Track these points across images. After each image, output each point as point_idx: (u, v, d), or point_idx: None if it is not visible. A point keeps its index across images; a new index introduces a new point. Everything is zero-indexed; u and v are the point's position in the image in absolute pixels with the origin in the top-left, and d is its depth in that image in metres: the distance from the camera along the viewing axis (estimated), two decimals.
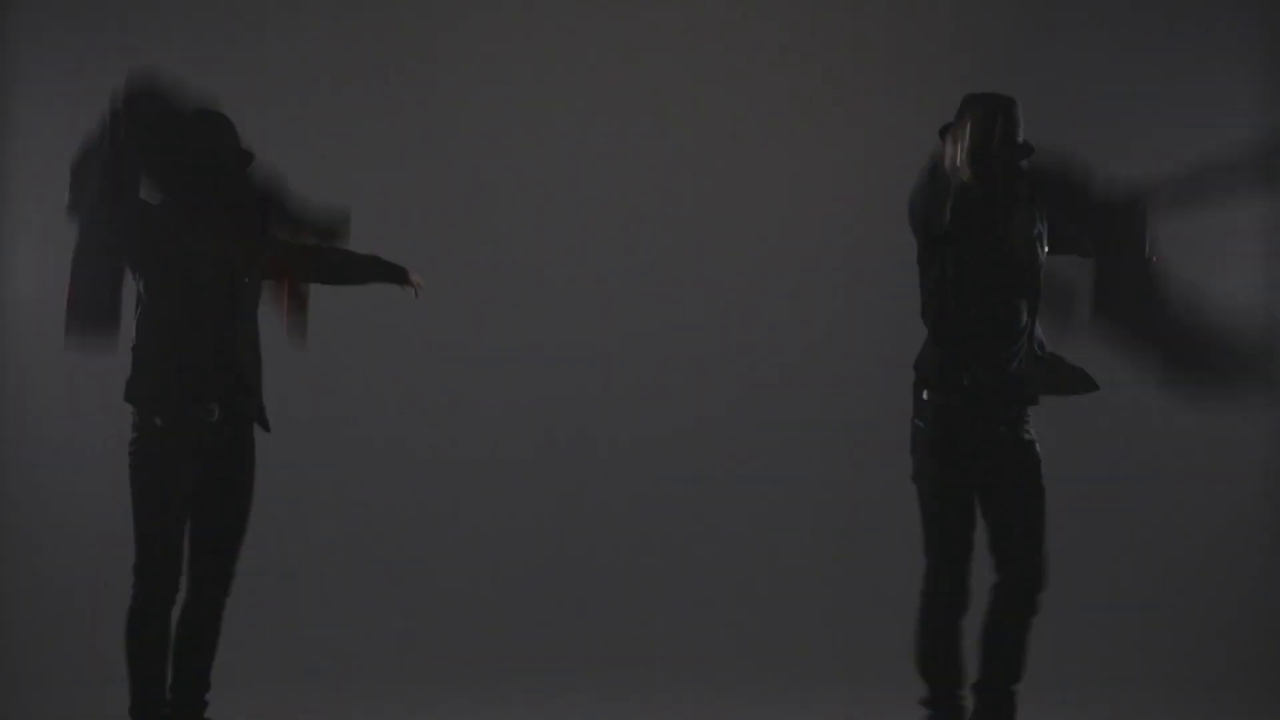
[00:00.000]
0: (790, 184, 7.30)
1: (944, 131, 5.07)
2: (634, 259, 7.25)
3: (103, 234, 4.95)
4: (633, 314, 7.23)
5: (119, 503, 5.06)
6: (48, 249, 7.09)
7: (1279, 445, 7.22)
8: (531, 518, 7.17)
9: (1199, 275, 7.24)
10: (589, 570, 7.12)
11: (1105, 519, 7.18)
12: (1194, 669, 6.84)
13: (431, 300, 7.15)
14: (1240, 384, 5.24)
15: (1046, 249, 5.15)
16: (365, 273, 5.39)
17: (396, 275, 5.40)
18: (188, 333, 5.00)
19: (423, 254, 7.16)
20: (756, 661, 6.91)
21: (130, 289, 5.06)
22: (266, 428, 5.16)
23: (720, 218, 7.29)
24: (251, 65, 7.10)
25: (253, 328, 5.15)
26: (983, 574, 5.09)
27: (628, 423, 7.20)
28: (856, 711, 6.25)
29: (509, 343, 7.19)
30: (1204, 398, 5.29)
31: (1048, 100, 7.08)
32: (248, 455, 5.13)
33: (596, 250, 7.24)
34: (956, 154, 4.92)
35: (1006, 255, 5.03)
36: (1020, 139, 5.05)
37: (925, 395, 5.02)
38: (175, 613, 5.08)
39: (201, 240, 5.03)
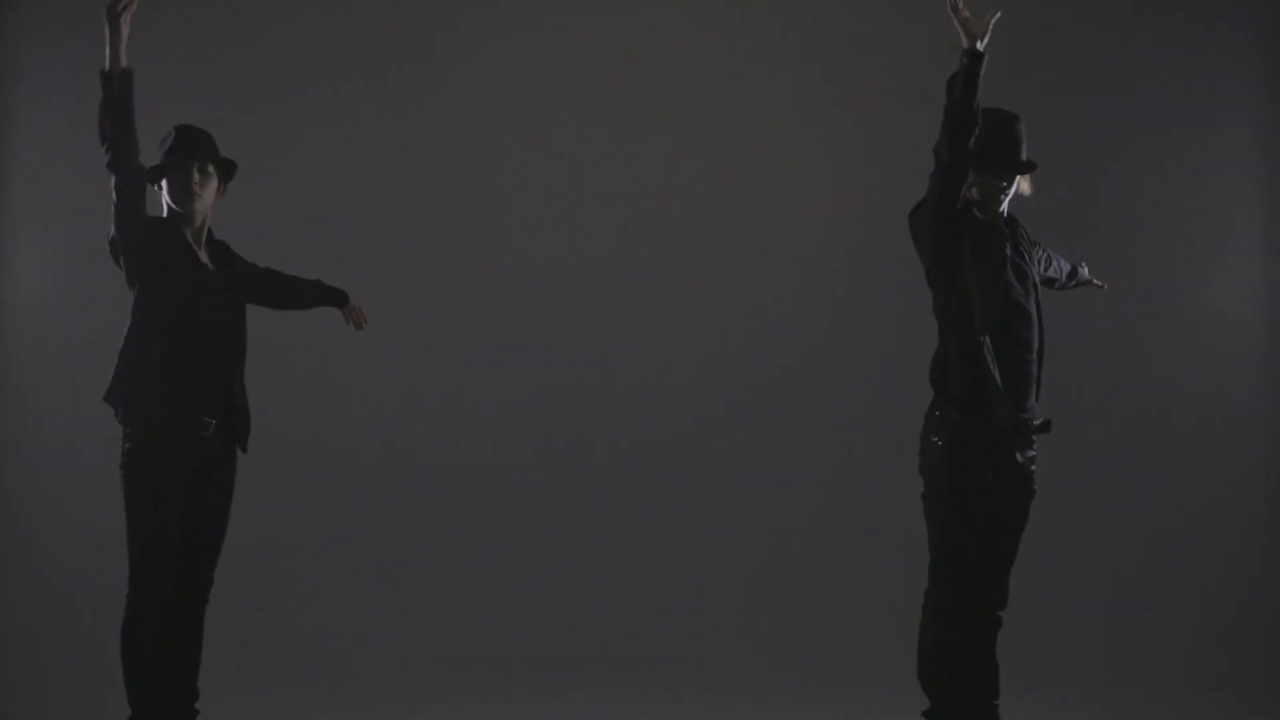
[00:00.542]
0: (790, 184, 7.30)
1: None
2: (634, 259, 7.25)
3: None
4: (633, 314, 7.23)
5: (119, 503, 5.07)
6: (48, 249, 7.10)
7: (1279, 445, 7.23)
8: (531, 518, 7.17)
9: (1199, 276, 7.29)
10: (589, 570, 7.12)
11: (1106, 519, 7.18)
12: (1194, 669, 6.84)
13: (431, 300, 7.17)
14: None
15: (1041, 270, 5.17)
16: (310, 297, 5.50)
17: (338, 299, 5.51)
18: (187, 346, 5.02)
19: (423, 254, 7.19)
20: (756, 661, 6.91)
21: (124, 294, 5.09)
22: (244, 448, 5.20)
23: (720, 218, 7.29)
24: (251, 65, 7.11)
25: (243, 344, 5.19)
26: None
27: (627, 422, 7.20)
28: (856, 712, 6.25)
29: (509, 342, 7.19)
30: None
31: (1048, 100, 7.10)
32: (232, 468, 5.18)
33: (596, 250, 7.24)
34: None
35: (1024, 284, 5.03)
36: (1024, 156, 5.03)
37: (939, 413, 4.99)
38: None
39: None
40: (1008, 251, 5.01)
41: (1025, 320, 5.03)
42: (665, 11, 7.30)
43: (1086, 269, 5.32)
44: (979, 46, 4.96)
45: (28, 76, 7.12)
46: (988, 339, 4.93)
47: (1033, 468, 5.06)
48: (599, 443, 7.22)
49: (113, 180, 5.07)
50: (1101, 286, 5.26)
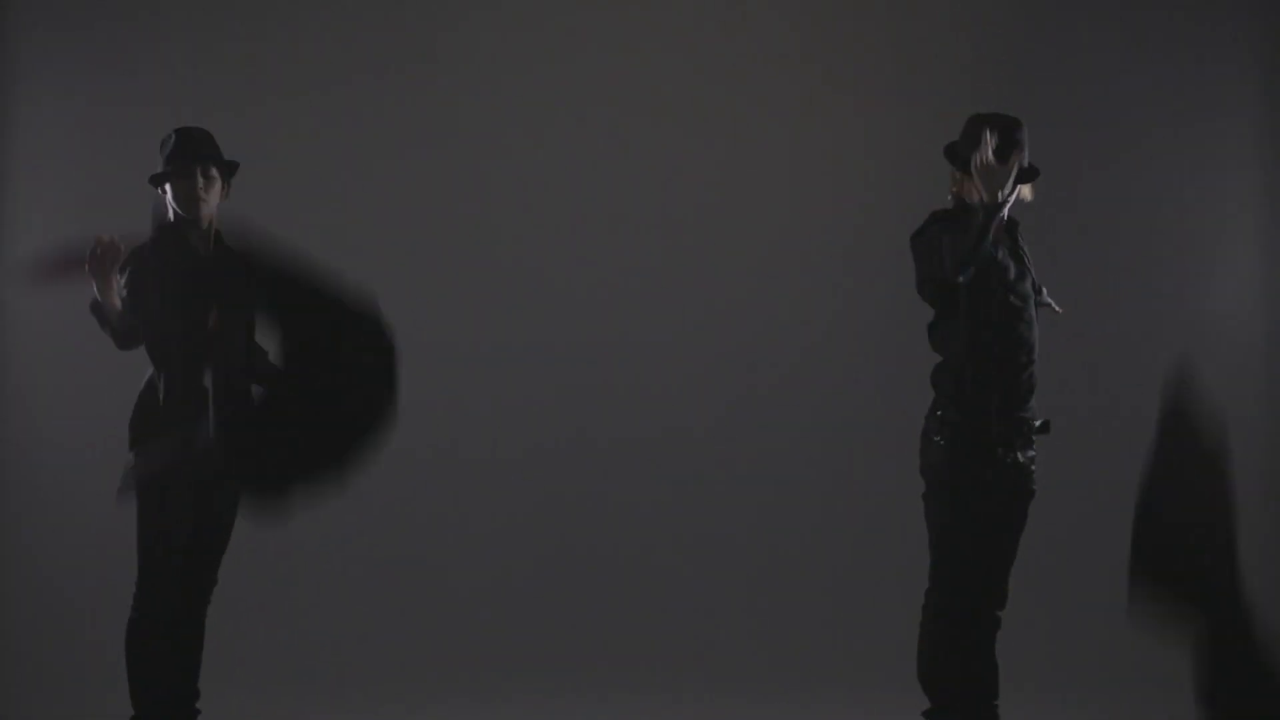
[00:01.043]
0: (791, 185, 7.30)
1: (949, 151, 5.05)
2: (634, 259, 7.25)
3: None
4: (633, 314, 7.23)
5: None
6: (48, 249, 7.09)
7: (1279, 445, 7.23)
8: (532, 517, 7.17)
9: (1199, 276, 7.28)
10: (589, 570, 7.11)
11: (1106, 520, 7.17)
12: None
13: (431, 299, 7.16)
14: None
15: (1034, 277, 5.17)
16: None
17: None
18: (207, 354, 5.03)
19: (422, 254, 7.18)
20: (756, 661, 6.91)
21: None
22: None
23: (721, 218, 7.29)
24: (251, 65, 7.11)
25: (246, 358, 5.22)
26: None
27: (627, 422, 7.19)
28: (856, 711, 6.25)
29: (509, 343, 7.18)
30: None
31: (1048, 100, 7.10)
32: None
33: (597, 251, 7.23)
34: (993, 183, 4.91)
35: (1021, 295, 5.03)
36: (1026, 162, 5.03)
37: (940, 413, 4.99)
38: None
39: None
40: (1001, 255, 5.01)
41: (1026, 322, 5.04)
42: (665, 11, 7.29)
43: (1045, 291, 5.30)
44: (1000, 197, 4.85)
45: (28, 76, 7.12)
46: (989, 341, 4.94)
47: (1033, 468, 5.07)
48: (599, 442, 7.22)
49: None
50: (1057, 310, 5.25)
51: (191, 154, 5.09)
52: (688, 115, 7.26)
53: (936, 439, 4.97)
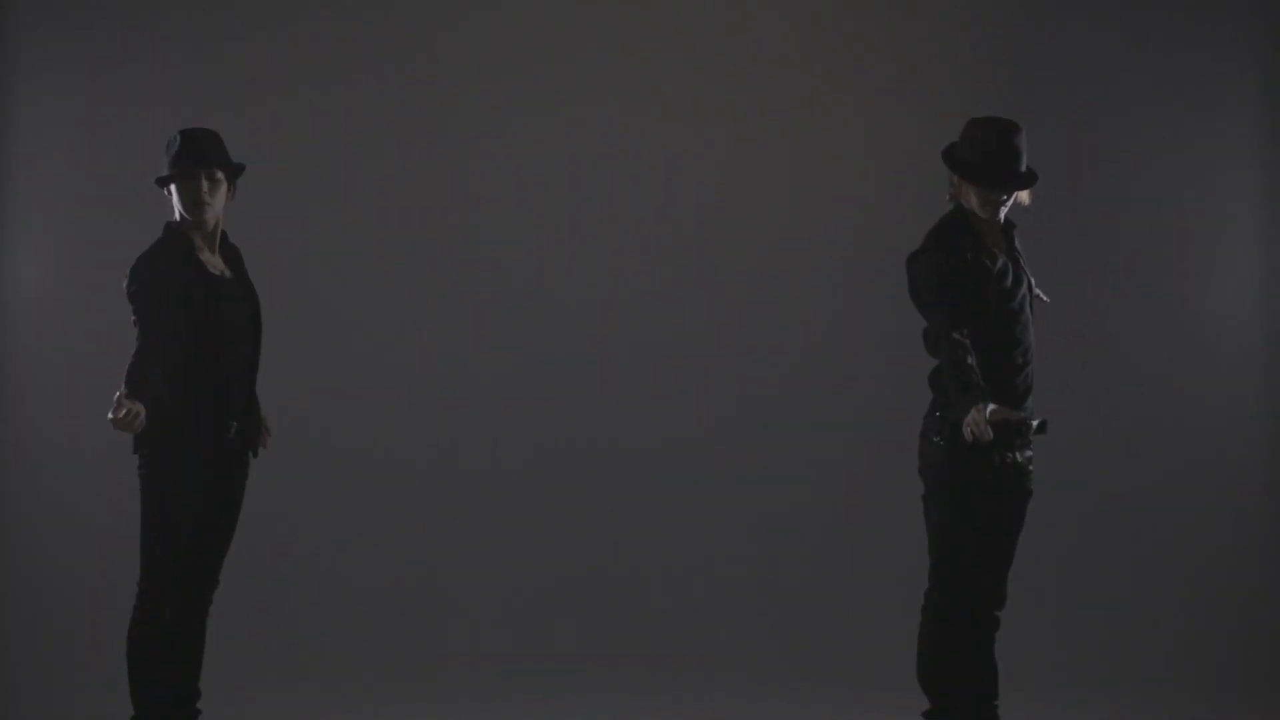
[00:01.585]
0: (791, 185, 7.30)
1: (947, 155, 5.05)
2: (635, 261, 7.24)
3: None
4: (632, 315, 7.22)
5: (120, 503, 5.07)
6: (48, 249, 7.09)
7: (1279, 445, 7.23)
8: (532, 519, 7.16)
9: (1199, 276, 7.29)
10: (590, 571, 7.11)
11: (1105, 520, 7.18)
12: (1194, 669, 6.85)
13: (431, 304, 7.16)
14: None
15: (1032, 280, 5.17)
16: None
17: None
18: (209, 354, 5.03)
19: (423, 254, 7.18)
20: (756, 661, 6.91)
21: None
22: (256, 452, 5.21)
23: (721, 219, 7.28)
24: (251, 64, 7.10)
25: (259, 345, 5.22)
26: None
27: (628, 424, 7.19)
28: (857, 712, 6.25)
29: (509, 346, 7.18)
30: None
31: (1047, 100, 7.10)
32: (244, 470, 5.19)
33: (596, 251, 7.23)
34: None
35: (1018, 298, 5.03)
36: (1024, 167, 5.02)
37: (939, 413, 4.99)
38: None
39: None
40: (1000, 265, 5.01)
41: (1023, 325, 5.04)
42: (665, 11, 7.29)
43: (1033, 282, 5.31)
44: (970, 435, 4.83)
45: (28, 76, 7.11)
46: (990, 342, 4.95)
47: (1030, 468, 5.07)
48: (599, 444, 7.21)
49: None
50: (1045, 300, 5.25)
51: (196, 157, 5.08)
52: (688, 115, 7.25)
53: (936, 439, 4.97)
